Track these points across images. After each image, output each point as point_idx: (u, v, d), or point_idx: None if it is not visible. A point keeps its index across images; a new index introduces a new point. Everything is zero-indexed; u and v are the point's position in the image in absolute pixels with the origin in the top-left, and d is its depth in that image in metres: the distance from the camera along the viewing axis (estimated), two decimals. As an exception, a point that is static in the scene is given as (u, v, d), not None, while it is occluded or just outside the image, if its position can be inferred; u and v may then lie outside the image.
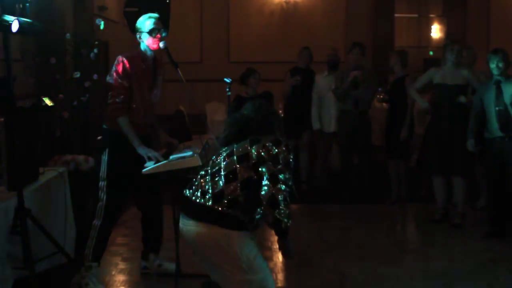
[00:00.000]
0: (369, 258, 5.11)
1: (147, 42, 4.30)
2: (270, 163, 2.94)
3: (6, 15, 3.65)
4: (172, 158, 3.94)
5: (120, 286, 4.52)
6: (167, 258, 4.67)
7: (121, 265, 4.91)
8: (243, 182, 2.96)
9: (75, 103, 6.34)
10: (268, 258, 5.03)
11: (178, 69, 4.26)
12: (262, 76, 6.83)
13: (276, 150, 2.97)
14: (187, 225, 3.06)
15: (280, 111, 7.43)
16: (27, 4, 3.99)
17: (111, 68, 4.30)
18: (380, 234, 5.88)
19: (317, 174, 7.71)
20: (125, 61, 4.23)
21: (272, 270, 4.79)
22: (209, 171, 3.08)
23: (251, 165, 2.98)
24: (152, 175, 4.00)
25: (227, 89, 6.22)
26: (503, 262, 5.11)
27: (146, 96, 4.38)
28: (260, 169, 2.95)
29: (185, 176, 3.80)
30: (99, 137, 4.46)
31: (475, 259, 5.10)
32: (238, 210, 2.97)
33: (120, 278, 4.66)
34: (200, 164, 3.70)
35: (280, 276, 4.73)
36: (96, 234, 4.30)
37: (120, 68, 4.21)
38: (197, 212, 3.02)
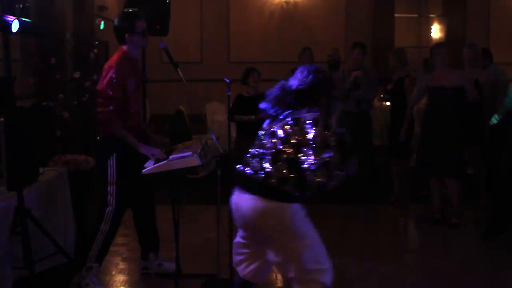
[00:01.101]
0: (369, 258, 5.11)
1: (137, 42, 4.27)
2: (295, 146, 3.01)
3: (6, 15, 3.65)
4: (172, 158, 3.93)
5: (120, 286, 4.52)
6: (167, 258, 4.67)
7: (121, 265, 4.91)
8: (287, 161, 3.04)
9: (75, 103, 6.35)
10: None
11: (178, 69, 4.25)
12: (263, 76, 6.82)
13: (302, 128, 3.03)
14: (243, 199, 3.15)
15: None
16: (27, 4, 3.99)
17: (102, 74, 4.21)
18: (380, 234, 5.87)
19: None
20: (117, 69, 4.14)
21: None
22: (258, 151, 3.17)
23: (289, 144, 3.05)
24: (148, 174, 3.99)
25: (227, 89, 6.22)
26: (502, 262, 5.11)
27: (138, 98, 4.39)
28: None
29: (185, 176, 3.80)
30: (98, 138, 4.45)
31: (475, 259, 5.10)
32: (290, 187, 3.06)
33: (120, 278, 4.66)
34: (200, 164, 3.69)
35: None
36: (103, 238, 4.29)
37: (111, 78, 4.11)
38: (252, 186, 3.12)
